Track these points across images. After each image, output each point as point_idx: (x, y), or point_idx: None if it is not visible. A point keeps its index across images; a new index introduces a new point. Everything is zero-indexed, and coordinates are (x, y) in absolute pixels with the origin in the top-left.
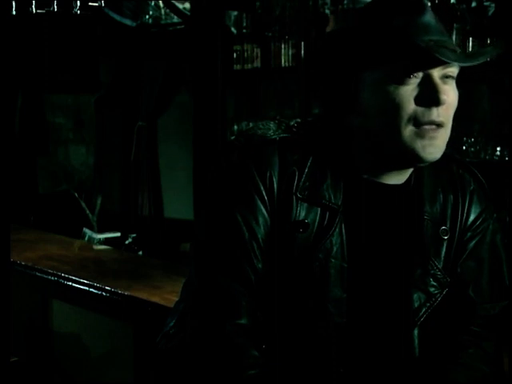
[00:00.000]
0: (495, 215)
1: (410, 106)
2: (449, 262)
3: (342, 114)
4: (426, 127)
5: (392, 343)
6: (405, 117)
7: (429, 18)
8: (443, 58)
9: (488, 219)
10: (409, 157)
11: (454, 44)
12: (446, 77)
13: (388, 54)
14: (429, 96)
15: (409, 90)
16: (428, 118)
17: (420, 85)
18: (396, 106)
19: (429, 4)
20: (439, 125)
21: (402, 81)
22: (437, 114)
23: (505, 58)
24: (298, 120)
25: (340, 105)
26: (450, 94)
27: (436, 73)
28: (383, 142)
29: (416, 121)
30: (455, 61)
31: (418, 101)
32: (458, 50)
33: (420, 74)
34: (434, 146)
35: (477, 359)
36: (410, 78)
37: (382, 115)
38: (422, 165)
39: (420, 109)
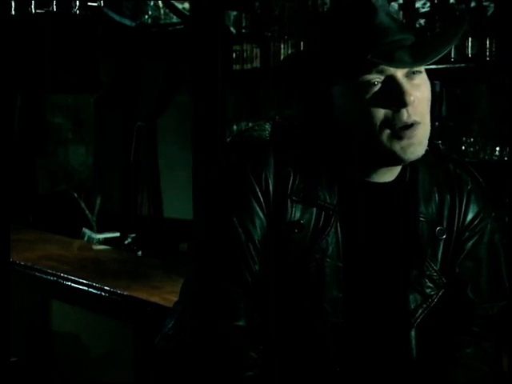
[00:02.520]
0: (493, 214)
1: (380, 112)
2: (446, 263)
3: (322, 121)
4: (401, 128)
5: (389, 344)
6: (377, 123)
7: (381, 18)
8: (398, 66)
9: (486, 218)
10: (391, 158)
11: (412, 38)
12: (412, 73)
13: (345, 67)
14: (394, 99)
15: (375, 97)
16: (399, 121)
17: (385, 88)
18: (367, 115)
19: (379, 1)
20: (413, 124)
21: (366, 89)
22: (407, 115)
23: (504, 58)
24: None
25: (317, 114)
26: (420, 90)
27: (399, 73)
28: (364, 145)
29: (389, 124)
30: (411, 64)
31: (386, 105)
32: (413, 40)
33: (382, 78)
34: (414, 145)
35: (476, 359)
36: (374, 85)
37: (358, 124)
38: (405, 163)
39: (390, 112)
